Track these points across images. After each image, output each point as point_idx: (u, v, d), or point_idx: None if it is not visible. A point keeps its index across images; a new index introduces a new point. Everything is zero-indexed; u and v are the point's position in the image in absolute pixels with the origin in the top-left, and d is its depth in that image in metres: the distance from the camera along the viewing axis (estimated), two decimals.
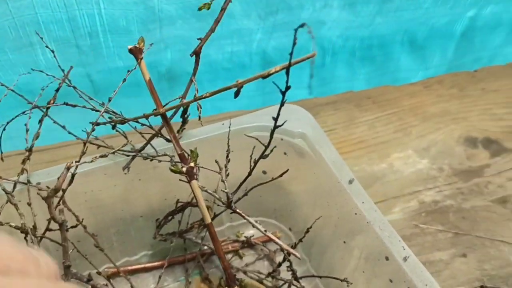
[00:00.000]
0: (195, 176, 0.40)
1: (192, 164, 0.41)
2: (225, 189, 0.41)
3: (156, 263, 0.52)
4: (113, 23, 0.57)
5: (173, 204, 0.50)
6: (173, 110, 0.43)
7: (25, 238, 0.38)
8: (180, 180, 0.44)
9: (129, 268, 0.51)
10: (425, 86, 0.78)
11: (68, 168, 0.28)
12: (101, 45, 0.58)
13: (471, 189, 0.63)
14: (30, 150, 0.41)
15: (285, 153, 0.50)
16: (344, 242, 0.45)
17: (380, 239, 0.40)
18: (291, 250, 0.38)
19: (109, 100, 0.40)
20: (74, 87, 0.39)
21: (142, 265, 0.51)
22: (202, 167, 0.43)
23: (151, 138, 0.43)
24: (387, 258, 0.39)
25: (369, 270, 0.42)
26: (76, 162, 0.28)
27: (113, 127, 0.41)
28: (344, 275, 0.47)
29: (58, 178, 0.28)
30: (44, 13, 0.53)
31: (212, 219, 0.42)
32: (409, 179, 0.63)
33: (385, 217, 0.57)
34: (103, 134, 0.46)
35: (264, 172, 0.53)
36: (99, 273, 0.44)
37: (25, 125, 0.41)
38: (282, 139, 0.49)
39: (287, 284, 0.46)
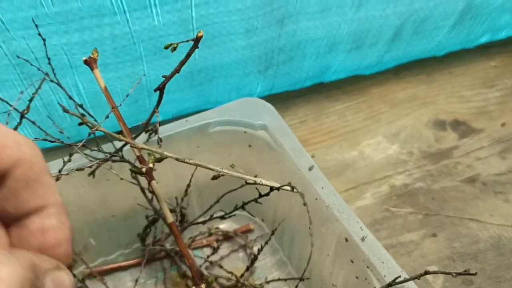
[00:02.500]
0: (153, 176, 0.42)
1: (150, 165, 0.42)
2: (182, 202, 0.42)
3: (132, 261, 0.53)
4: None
5: (143, 201, 0.52)
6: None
7: None
8: (135, 184, 0.45)
9: (105, 267, 0.52)
10: (394, 74, 0.79)
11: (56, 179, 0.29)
12: None
13: (440, 170, 0.64)
14: None
15: (249, 146, 0.52)
16: (309, 228, 0.46)
17: (339, 221, 0.41)
18: None
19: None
20: None
21: (118, 264, 0.52)
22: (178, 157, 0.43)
23: (120, 149, 0.44)
24: (346, 240, 0.40)
25: (332, 252, 0.43)
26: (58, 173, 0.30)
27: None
28: (312, 260, 0.48)
29: None
30: None
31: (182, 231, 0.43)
32: (380, 164, 0.65)
33: (357, 203, 0.58)
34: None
35: (232, 166, 0.54)
36: (74, 275, 0.45)
37: None
38: (245, 132, 0.51)
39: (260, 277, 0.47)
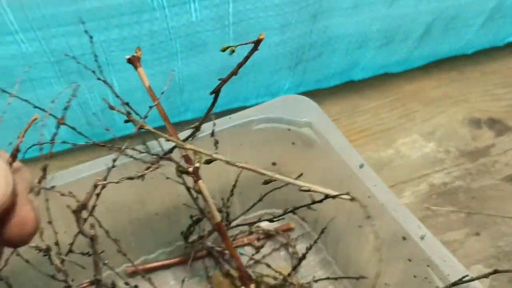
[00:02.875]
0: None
1: (197, 165, 0.41)
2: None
3: (174, 260, 0.52)
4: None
5: (186, 199, 0.51)
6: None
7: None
8: (180, 183, 0.44)
9: (147, 266, 0.51)
10: (425, 71, 0.78)
11: (95, 186, 0.28)
12: None
13: (478, 169, 0.63)
14: (48, 156, 0.41)
15: (293, 143, 0.51)
16: (360, 226, 0.46)
17: (395, 220, 0.40)
18: None
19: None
20: None
21: (161, 263, 0.52)
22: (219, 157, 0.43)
23: (171, 150, 0.43)
24: (404, 238, 0.40)
25: (386, 252, 0.42)
26: (102, 181, 0.29)
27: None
28: (361, 259, 0.47)
29: (87, 194, 0.29)
30: None
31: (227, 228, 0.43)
32: (417, 163, 0.64)
33: None
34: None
35: (274, 164, 0.53)
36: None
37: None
38: (289, 129, 0.50)
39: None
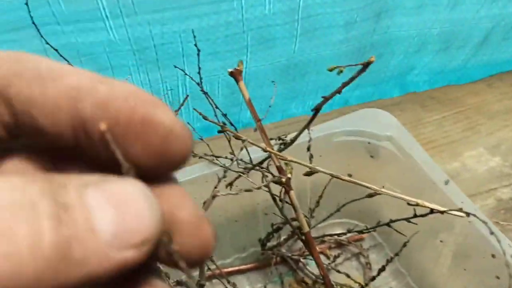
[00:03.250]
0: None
1: (289, 176, 0.43)
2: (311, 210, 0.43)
3: (250, 265, 0.54)
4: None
5: (263, 208, 0.53)
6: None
7: None
8: (266, 191, 0.46)
9: (225, 270, 0.53)
10: (487, 84, 0.78)
11: (213, 197, 0.30)
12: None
13: None
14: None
15: (371, 156, 0.52)
16: (441, 241, 0.46)
17: (485, 237, 0.41)
18: None
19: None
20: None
21: (237, 268, 0.53)
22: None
23: (265, 160, 0.45)
24: (493, 256, 0.40)
25: (472, 268, 0.43)
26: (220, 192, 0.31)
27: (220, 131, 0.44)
28: (436, 272, 0.48)
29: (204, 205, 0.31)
30: None
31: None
32: (483, 177, 0.64)
33: None
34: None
35: (350, 175, 0.54)
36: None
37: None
38: (369, 143, 0.51)
39: None
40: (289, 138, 0.47)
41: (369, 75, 0.72)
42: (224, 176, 0.40)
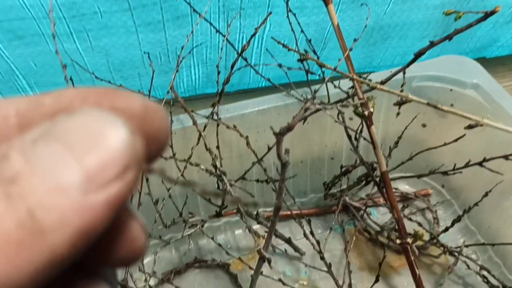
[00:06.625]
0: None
1: (371, 109, 0.41)
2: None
3: (311, 210, 0.52)
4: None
5: (331, 151, 0.50)
6: None
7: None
8: (346, 127, 0.43)
9: (283, 213, 0.51)
10: None
11: (305, 110, 0.28)
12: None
13: None
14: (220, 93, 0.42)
15: (451, 105, 0.49)
16: None
17: None
18: None
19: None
20: None
21: (297, 211, 0.52)
22: None
23: (349, 96, 0.42)
24: None
25: None
26: (312, 103, 0.28)
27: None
28: (509, 232, 0.45)
29: (294, 118, 0.28)
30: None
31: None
32: None
33: None
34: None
35: (424, 125, 0.51)
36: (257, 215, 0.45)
37: (217, 66, 0.42)
38: (451, 90, 0.48)
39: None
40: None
41: (452, 45, 0.67)
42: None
